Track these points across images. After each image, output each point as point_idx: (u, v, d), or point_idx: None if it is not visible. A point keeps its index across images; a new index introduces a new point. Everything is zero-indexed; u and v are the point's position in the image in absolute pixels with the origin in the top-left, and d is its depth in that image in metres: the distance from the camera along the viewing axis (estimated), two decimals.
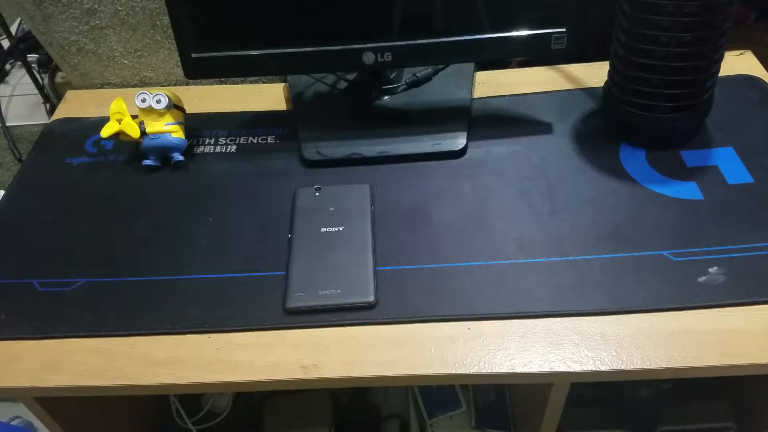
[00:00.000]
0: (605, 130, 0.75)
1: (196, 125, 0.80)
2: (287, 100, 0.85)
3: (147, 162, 0.75)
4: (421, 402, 0.96)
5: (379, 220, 0.66)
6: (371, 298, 0.59)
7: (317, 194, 0.68)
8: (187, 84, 0.90)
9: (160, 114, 0.73)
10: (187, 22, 0.69)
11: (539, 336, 0.56)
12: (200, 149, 0.78)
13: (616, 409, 0.85)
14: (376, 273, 0.61)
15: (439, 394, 0.97)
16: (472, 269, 0.61)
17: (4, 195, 0.75)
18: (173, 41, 0.71)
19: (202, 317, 0.60)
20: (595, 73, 0.83)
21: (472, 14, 0.68)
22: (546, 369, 0.54)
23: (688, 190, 0.67)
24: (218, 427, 0.94)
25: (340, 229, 0.65)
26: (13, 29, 0.98)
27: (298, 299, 0.59)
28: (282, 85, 0.87)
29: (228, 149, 0.78)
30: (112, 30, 0.85)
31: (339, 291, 0.59)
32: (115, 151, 0.79)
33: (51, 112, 0.93)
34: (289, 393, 0.95)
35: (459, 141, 0.73)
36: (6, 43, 1.01)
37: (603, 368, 0.53)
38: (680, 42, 0.62)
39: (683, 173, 0.69)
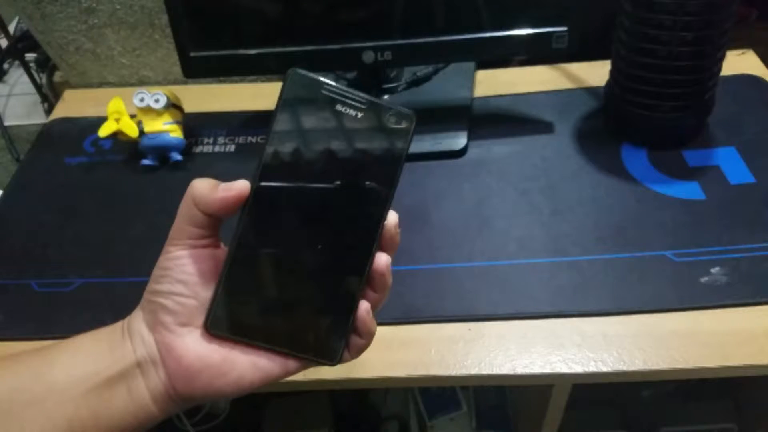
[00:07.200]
0: (607, 129, 0.74)
1: (195, 124, 0.80)
2: None
3: (145, 162, 0.74)
4: (421, 403, 0.96)
5: None
6: None
7: None
8: (185, 83, 0.89)
9: (158, 113, 0.73)
10: (186, 21, 0.68)
11: (540, 337, 0.56)
12: (199, 149, 0.78)
13: (618, 410, 0.85)
14: None
15: (439, 395, 0.96)
16: (472, 269, 0.61)
17: (1, 195, 0.74)
18: (172, 40, 0.71)
19: None
20: (596, 72, 0.82)
21: (473, 13, 0.68)
22: (547, 370, 0.53)
23: (690, 190, 0.66)
24: (217, 428, 0.94)
25: None
26: (11, 28, 0.97)
27: None
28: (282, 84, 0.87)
29: (227, 149, 0.77)
30: (110, 29, 0.85)
31: None
32: (113, 151, 0.78)
33: (49, 111, 0.93)
34: (289, 394, 0.95)
35: (459, 140, 0.73)
36: (4, 43, 1.00)
37: (605, 369, 0.53)
38: (682, 41, 0.62)
39: (685, 173, 0.68)
